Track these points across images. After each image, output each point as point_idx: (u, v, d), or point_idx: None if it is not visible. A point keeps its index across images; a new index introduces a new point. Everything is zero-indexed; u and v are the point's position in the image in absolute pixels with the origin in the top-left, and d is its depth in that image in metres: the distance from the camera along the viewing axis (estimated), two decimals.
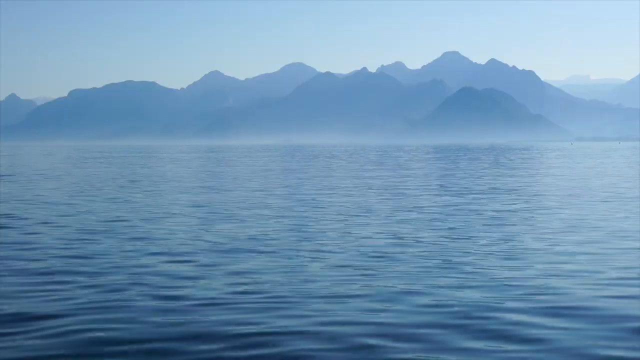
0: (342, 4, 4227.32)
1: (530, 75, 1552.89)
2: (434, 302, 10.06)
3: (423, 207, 24.52)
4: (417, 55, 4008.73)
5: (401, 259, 13.69)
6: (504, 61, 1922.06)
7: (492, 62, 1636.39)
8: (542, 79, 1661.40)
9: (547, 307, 9.78)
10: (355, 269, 12.65)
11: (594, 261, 13.44)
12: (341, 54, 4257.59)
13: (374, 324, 8.97)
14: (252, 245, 15.48)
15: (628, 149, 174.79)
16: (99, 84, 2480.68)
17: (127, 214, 22.24)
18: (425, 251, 14.67)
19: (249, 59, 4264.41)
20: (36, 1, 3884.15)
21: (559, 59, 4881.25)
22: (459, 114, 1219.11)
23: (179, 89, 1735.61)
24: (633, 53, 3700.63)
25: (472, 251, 14.66)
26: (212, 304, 10.02)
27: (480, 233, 17.51)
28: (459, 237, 16.84)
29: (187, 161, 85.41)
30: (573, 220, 20.01)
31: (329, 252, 14.63)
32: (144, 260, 13.54)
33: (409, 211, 22.95)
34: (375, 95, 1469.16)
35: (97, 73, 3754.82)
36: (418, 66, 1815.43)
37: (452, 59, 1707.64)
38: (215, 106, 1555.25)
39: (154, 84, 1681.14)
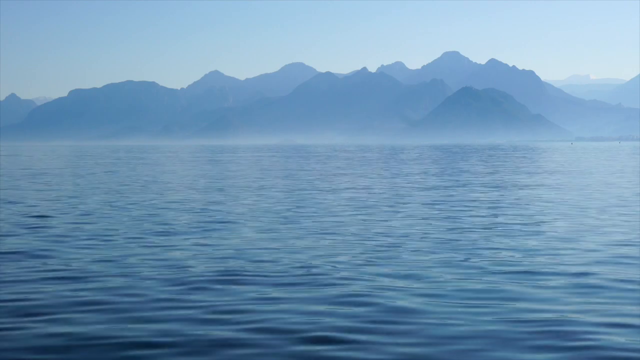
0: (342, 4, 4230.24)
1: (530, 75, 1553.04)
2: None
3: None
4: (417, 55, 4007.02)
5: None
6: (504, 61, 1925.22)
7: (492, 62, 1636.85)
8: (542, 79, 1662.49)
9: None
10: None
11: None
12: (341, 54, 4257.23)
13: None
14: None
15: None
16: (99, 84, 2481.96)
17: None
18: None
19: (249, 59, 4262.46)
20: (36, 1, 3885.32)
21: (559, 59, 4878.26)
22: (458, 114, 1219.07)
23: (179, 89, 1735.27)
24: (633, 53, 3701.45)
25: None
26: None
27: None
28: None
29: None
30: None
31: None
32: None
33: None
34: (375, 95, 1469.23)
35: (97, 73, 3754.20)
36: (418, 66, 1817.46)
37: (452, 58, 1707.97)
38: (215, 106, 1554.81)
39: (154, 84, 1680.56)
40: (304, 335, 8.58)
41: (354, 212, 22.56)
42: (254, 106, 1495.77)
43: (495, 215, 21.31)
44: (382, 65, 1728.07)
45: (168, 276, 12.02)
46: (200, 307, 9.91)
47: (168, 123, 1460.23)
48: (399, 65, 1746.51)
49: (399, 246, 15.25)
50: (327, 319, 9.22)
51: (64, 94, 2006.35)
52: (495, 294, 10.55)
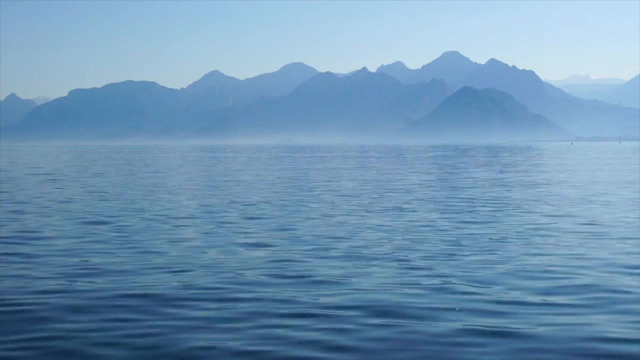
0: (342, 4, 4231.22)
1: (530, 75, 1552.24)
2: None
3: None
4: (417, 55, 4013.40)
5: None
6: (504, 61, 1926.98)
7: (492, 62, 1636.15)
8: (542, 78, 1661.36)
9: None
10: None
11: None
12: (341, 54, 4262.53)
13: None
14: None
15: None
16: (99, 84, 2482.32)
17: None
18: None
19: (249, 59, 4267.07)
20: (36, 1, 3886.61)
21: (559, 59, 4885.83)
22: (458, 114, 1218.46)
23: (179, 89, 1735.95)
24: (633, 53, 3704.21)
25: None
26: None
27: None
28: None
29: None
30: None
31: None
32: None
33: None
34: (375, 95, 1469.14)
35: (97, 73, 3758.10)
36: (418, 66, 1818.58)
37: (452, 58, 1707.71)
38: (215, 106, 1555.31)
39: (154, 84, 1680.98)
40: None
41: None
42: (254, 106, 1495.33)
43: None
44: (382, 65, 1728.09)
45: None
46: None
47: (168, 123, 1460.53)
48: (399, 65, 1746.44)
49: None
50: None
51: (64, 94, 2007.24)
52: None
